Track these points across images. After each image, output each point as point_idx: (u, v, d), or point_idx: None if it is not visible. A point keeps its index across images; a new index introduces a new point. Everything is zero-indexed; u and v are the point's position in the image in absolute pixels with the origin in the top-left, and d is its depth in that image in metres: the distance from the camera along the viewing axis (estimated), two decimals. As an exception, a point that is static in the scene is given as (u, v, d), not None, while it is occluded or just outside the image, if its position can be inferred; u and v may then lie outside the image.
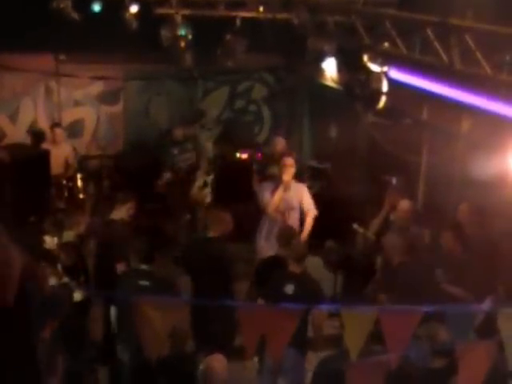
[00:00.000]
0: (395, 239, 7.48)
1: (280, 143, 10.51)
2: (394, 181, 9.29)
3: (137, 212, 8.24)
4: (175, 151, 11.02)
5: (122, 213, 8.09)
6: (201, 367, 5.82)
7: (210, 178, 10.65)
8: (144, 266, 6.91)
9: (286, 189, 8.96)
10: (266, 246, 8.84)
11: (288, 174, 8.92)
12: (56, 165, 10.34)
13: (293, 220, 9.01)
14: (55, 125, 11.09)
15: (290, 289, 6.99)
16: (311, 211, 9.05)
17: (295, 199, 9.08)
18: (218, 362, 5.83)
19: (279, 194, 8.92)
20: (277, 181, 9.08)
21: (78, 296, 6.96)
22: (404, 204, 8.31)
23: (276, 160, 9.69)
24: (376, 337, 5.32)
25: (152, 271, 6.90)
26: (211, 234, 7.76)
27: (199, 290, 7.55)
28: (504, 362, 5.39)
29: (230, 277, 7.56)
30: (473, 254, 7.38)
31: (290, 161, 8.99)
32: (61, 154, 10.61)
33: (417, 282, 7.07)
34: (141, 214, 8.65)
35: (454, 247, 7.46)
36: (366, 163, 10.59)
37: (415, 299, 6.04)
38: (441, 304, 5.85)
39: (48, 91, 11.70)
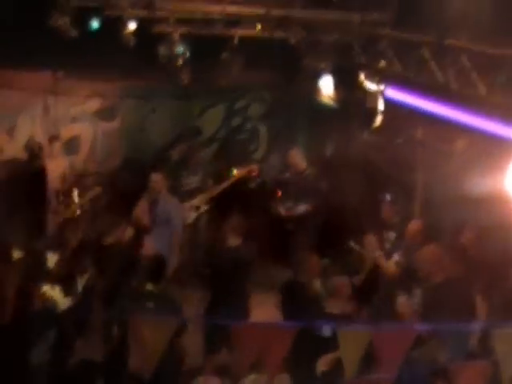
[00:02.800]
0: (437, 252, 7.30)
1: (295, 155, 10.56)
2: (389, 197, 9.30)
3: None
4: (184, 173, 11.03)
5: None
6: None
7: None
8: (149, 287, 6.86)
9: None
10: None
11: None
12: (53, 179, 10.34)
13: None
14: (53, 138, 11.10)
15: None
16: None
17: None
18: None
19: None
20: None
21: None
22: (415, 223, 8.29)
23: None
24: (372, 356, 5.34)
25: (157, 293, 6.86)
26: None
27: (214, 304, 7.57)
28: (499, 381, 5.40)
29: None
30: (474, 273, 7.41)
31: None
32: (58, 168, 10.61)
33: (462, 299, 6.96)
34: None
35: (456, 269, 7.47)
36: (361, 181, 10.60)
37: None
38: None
39: (45, 107, 11.72)
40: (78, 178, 11.02)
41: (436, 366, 5.91)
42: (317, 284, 7.80)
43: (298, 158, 10.53)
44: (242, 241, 8.32)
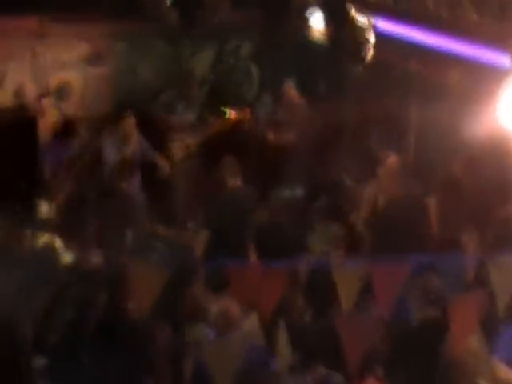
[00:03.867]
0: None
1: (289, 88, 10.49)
2: (382, 133, 9.25)
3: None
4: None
5: None
6: (213, 310, 5.82)
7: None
8: (161, 230, 6.88)
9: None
10: None
11: None
12: (44, 130, 10.25)
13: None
14: (42, 95, 11.01)
15: None
16: None
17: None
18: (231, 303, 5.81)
19: None
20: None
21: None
22: (391, 159, 8.28)
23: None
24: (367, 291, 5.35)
25: (168, 235, 6.88)
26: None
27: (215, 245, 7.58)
28: (495, 311, 5.42)
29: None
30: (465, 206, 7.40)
31: None
32: (48, 122, 10.51)
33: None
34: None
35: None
36: (356, 118, 10.53)
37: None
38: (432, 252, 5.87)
39: (33, 54, 11.57)
40: (69, 125, 10.91)
41: (430, 295, 5.94)
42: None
43: (292, 91, 10.45)
44: (241, 181, 8.31)
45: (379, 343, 5.62)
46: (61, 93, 11.71)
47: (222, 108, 11.30)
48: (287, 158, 9.95)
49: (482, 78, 6.62)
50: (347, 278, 5.26)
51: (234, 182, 8.27)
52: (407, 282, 5.40)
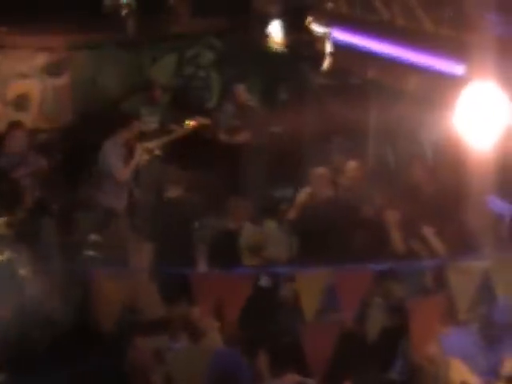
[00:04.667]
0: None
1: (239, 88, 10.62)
2: (338, 141, 9.35)
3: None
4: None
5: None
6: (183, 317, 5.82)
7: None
8: (93, 237, 6.87)
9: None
10: None
11: None
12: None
13: None
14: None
15: None
16: None
17: None
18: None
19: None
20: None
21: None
22: (351, 165, 8.40)
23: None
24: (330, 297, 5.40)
25: (101, 242, 6.87)
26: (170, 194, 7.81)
27: (161, 256, 7.56)
28: (454, 314, 5.52)
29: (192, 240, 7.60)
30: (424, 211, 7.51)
31: None
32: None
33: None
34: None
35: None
36: (315, 124, 10.62)
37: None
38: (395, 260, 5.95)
39: (-9, 65, 11.48)
40: (28, 136, 10.81)
41: (392, 302, 6.02)
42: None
43: (241, 90, 10.55)
44: (183, 191, 8.34)
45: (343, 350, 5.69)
46: (19, 103, 11.62)
47: (183, 117, 11.30)
48: (242, 160, 10.07)
49: (438, 85, 6.73)
50: (309, 286, 5.30)
51: (174, 191, 8.31)
52: (369, 288, 5.46)
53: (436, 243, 7.01)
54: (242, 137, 10.44)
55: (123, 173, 9.19)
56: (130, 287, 5.36)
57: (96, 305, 5.35)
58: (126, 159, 9.46)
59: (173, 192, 8.06)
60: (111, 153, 9.35)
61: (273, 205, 9.28)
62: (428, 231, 7.11)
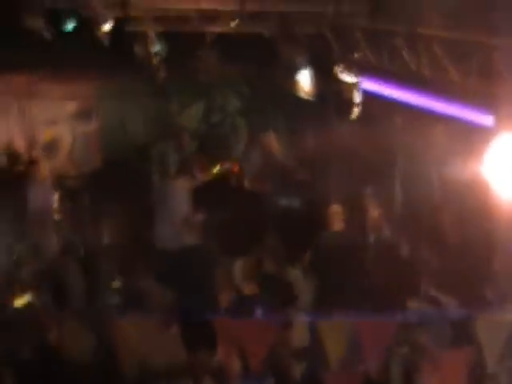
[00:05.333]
0: None
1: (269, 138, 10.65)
2: (369, 189, 9.35)
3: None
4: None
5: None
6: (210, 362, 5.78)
7: None
8: (115, 283, 6.88)
9: None
10: None
11: None
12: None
13: None
14: (33, 142, 11.08)
15: None
16: None
17: None
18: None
19: None
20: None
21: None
22: (374, 212, 8.40)
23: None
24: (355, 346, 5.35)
25: (122, 288, 6.88)
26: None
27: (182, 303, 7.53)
28: (483, 366, 5.44)
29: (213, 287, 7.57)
30: (453, 260, 7.45)
31: None
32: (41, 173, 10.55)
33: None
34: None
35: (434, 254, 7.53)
36: (344, 172, 10.63)
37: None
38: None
39: (21, 111, 11.65)
40: (57, 181, 10.95)
41: (419, 350, 5.95)
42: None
43: (271, 139, 10.62)
44: (200, 239, 8.35)
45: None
46: (49, 149, 11.77)
47: (211, 163, 11.36)
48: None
49: (466, 135, 6.74)
50: (334, 333, 5.27)
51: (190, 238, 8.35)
52: (394, 337, 5.42)
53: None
54: (268, 186, 10.45)
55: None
56: (152, 333, 5.36)
57: (118, 350, 5.34)
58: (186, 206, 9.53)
59: (193, 238, 8.06)
60: (183, 196, 9.40)
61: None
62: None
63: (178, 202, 9.61)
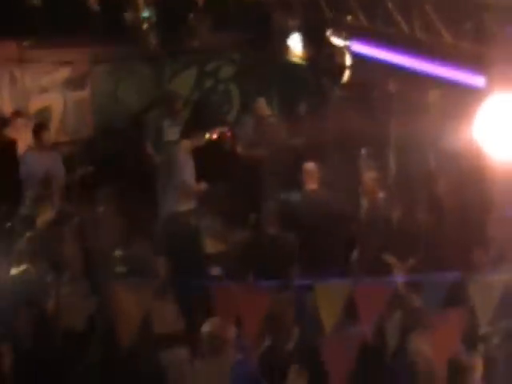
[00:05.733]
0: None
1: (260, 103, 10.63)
2: (364, 151, 9.35)
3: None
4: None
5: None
6: (204, 329, 5.77)
7: None
8: (119, 252, 6.87)
9: None
10: None
11: None
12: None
13: None
14: (15, 114, 11.00)
15: None
16: None
17: None
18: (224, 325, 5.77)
19: None
20: None
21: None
22: (370, 174, 8.41)
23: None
24: (349, 310, 5.37)
25: (127, 256, 6.87)
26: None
27: (175, 269, 7.54)
28: (475, 328, 5.48)
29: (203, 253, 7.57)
30: (448, 225, 7.47)
31: None
32: (24, 142, 10.51)
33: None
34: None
35: (430, 219, 7.55)
36: (336, 137, 10.62)
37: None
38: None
39: (13, 79, 11.58)
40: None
41: (412, 314, 5.98)
42: None
43: (262, 104, 10.61)
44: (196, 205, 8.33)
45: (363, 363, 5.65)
46: (41, 117, 11.71)
47: (203, 129, 11.33)
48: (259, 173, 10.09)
49: (461, 98, 6.72)
50: (329, 298, 5.28)
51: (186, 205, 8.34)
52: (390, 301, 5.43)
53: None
54: (261, 151, 10.45)
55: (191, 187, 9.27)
56: (148, 300, 5.36)
57: (115, 317, 5.35)
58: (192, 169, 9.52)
59: (186, 205, 8.07)
60: (185, 164, 9.39)
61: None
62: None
63: (179, 167, 9.56)
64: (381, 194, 8.41)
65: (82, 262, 7.64)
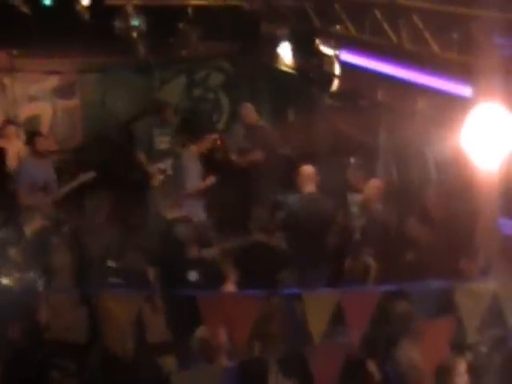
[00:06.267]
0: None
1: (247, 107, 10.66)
2: (353, 161, 9.37)
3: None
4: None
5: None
6: (196, 336, 5.77)
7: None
8: (111, 263, 6.87)
9: None
10: None
11: None
12: (10, 161, 10.23)
13: None
14: (7, 122, 10.98)
15: None
16: None
17: None
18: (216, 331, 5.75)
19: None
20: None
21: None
22: (374, 182, 8.37)
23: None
24: (337, 318, 5.38)
25: (119, 268, 6.86)
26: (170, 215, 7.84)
27: (164, 278, 7.54)
28: (463, 336, 5.50)
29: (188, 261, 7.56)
30: (438, 236, 7.49)
31: None
32: (14, 150, 10.50)
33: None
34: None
35: (420, 231, 7.56)
36: (325, 146, 10.66)
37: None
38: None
39: (2, 87, 11.58)
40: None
41: (401, 322, 6.00)
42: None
43: (249, 109, 10.62)
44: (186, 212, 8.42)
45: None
46: (30, 125, 11.70)
47: (193, 138, 11.33)
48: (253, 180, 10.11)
49: (448, 107, 6.76)
50: (317, 307, 5.29)
51: (173, 213, 8.40)
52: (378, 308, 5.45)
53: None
54: (253, 157, 10.47)
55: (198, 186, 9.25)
56: (136, 309, 5.36)
57: (103, 326, 5.35)
58: (200, 173, 9.52)
59: (170, 214, 8.09)
60: (191, 166, 9.37)
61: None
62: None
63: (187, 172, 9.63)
64: (379, 203, 8.40)
65: (73, 271, 7.65)
